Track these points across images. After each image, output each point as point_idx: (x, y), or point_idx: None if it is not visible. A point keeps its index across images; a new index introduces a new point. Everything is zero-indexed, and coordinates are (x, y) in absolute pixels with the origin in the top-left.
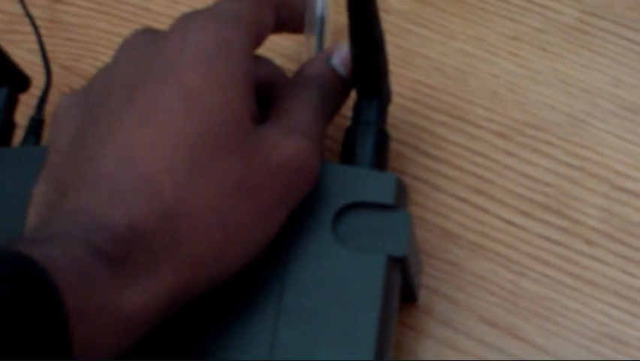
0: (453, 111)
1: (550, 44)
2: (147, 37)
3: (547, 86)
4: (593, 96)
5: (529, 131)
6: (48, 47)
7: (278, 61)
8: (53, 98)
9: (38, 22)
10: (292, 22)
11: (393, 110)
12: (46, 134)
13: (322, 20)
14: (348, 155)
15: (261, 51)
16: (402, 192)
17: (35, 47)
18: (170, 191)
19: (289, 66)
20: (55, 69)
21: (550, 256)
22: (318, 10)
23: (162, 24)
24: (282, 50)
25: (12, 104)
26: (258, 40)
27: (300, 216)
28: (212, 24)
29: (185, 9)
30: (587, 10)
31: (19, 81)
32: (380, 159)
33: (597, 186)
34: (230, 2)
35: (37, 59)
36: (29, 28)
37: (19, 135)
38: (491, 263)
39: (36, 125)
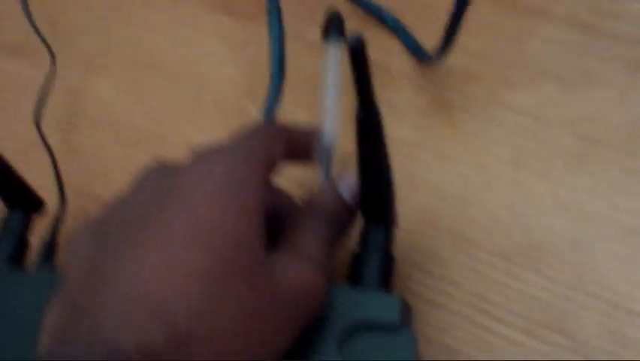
0: (455, 233)
1: (550, 170)
2: (163, 170)
3: (548, 211)
4: (593, 221)
5: (530, 253)
6: (62, 172)
7: (287, 185)
8: (67, 222)
9: (53, 148)
10: (302, 153)
11: (397, 232)
12: (60, 258)
13: (330, 150)
14: (354, 277)
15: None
16: (406, 312)
17: (49, 171)
18: (184, 317)
19: (298, 191)
20: (68, 193)
21: None
22: (326, 141)
23: (173, 146)
24: (291, 175)
25: (26, 226)
26: (269, 173)
27: (308, 336)
28: (227, 159)
29: (194, 133)
30: (586, 137)
31: (33, 204)
32: (385, 281)
33: (598, 307)
34: (243, 139)
35: (51, 184)
36: (43, 155)
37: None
38: None
39: (49, 248)
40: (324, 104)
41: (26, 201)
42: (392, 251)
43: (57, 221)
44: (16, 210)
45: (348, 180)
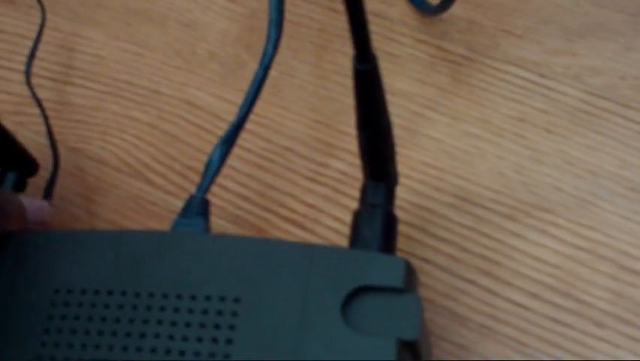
0: (460, 193)
1: (555, 126)
2: None
3: (554, 168)
4: (600, 177)
5: (536, 213)
6: (57, 129)
7: None
8: (62, 180)
9: (47, 104)
10: None
11: (400, 192)
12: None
13: None
14: (356, 238)
15: None
16: (411, 275)
17: (43, 129)
18: None
19: None
20: (63, 151)
21: (559, 338)
22: None
23: (172, 106)
24: None
25: (21, 188)
26: None
27: (310, 301)
28: None
29: (194, 92)
30: (591, 91)
31: (27, 166)
32: (388, 241)
33: (605, 268)
34: None
35: (45, 141)
36: (37, 110)
37: None
38: (500, 346)
39: None
40: None
41: (21, 164)
42: (394, 210)
43: (52, 181)
44: (10, 173)
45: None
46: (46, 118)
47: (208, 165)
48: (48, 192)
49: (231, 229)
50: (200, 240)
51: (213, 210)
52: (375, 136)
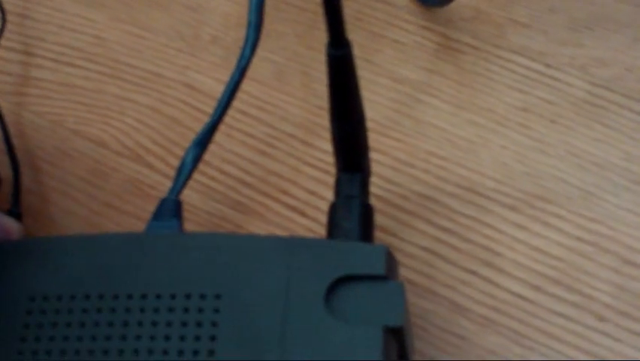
0: (463, 183)
1: (560, 117)
2: None
3: (558, 159)
4: (605, 170)
5: (539, 204)
6: (58, 110)
7: None
8: (62, 162)
9: (47, 85)
10: None
11: (403, 180)
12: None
13: None
14: (334, 230)
15: None
16: (392, 263)
17: (45, 109)
18: None
19: None
20: (64, 133)
21: (560, 330)
22: None
23: (173, 90)
24: None
25: None
26: None
27: (293, 293)
28: None
29: (196, 75)
30: (597, 82)
31: None
32: (367, 232)
33: (609, 261)
34: None
35: (47, 123)
36: (37, 91)
37: None
38: (501, 337)
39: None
40: None
41: None
42: (369, 200)
43: (16, 199)
44: None
45: None
46: (3, 124)
47: (181, 167)
48: (15, 210)
49: (232, 215)
50: (175, 239)
51: (215, 195)
52: (349, 126)
